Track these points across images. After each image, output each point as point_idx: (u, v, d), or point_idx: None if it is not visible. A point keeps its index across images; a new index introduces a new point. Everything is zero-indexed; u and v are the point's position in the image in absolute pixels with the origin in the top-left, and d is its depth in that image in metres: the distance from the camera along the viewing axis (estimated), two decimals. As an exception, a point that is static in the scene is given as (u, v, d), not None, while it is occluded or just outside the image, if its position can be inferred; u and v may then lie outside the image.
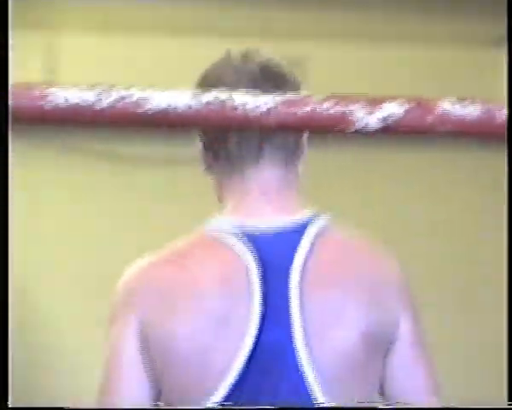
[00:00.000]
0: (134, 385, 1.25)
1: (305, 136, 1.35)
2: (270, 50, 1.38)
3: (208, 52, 1.42)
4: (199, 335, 1.23)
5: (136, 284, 1.28)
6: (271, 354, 1.23)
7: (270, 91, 0.70)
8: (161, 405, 1.28)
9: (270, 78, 1.28)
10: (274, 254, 1.26)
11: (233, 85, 1.23)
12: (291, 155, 1.33)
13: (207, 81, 1.31)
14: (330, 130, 0.73)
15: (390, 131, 0.69)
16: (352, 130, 0.67)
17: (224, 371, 1.21)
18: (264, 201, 1.30)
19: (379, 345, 1.28)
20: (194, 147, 1.38)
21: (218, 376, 1.21)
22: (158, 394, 1.27)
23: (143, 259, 1.30)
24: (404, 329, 1.30)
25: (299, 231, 1.27)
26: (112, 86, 0.65)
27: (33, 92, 0.64)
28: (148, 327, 1.24)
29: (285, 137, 1.30)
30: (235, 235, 1.26)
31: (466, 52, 4.61)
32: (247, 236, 1.26)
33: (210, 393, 1.21)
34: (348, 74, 4.43)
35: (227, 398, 1.22)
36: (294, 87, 1.30)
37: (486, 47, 4.59)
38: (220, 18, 4.67)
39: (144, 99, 0.64)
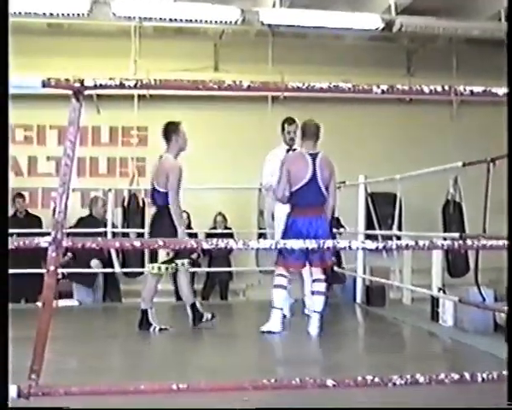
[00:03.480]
0: (286, 178, 6.10)
1: (321, 132, 6.21)
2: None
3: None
4: (296, 169, 6.09)
5: (286, 160, 6.27)
6: (313, 177, 6.04)
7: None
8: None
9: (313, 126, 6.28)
10: (313, 157, 6.09)
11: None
12: (316, 139, 6.19)
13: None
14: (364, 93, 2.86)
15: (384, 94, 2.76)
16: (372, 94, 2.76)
17: (302, 179, 6.04)
18: (310, 148, 6.16)
19: (331, 177, 6.15)
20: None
21: (301, 179, 6.04)
22: (289, 179, 6.09)
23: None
24: (332, 177, 6.17)
25: (317, 153, 6.10)
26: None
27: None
28: (288, 166, 6.13)
29: (315, 134, 6.15)
30: (305, 153, 6.15)
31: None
32: (308, 153, 6.12)
33: (301, 180, 6.05)
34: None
35: (303, 186, 6.02)
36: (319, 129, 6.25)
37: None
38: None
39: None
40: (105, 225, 9.08)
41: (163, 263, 6.15)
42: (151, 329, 6.20)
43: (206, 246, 2.89)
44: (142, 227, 9.62)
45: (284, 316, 6.54)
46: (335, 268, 8.55)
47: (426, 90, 2.73)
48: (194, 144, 10.90)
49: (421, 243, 2.83)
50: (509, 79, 2.69)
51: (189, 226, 9.98)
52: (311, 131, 6.18)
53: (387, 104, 10.87)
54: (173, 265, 6.18)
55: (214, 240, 2.80)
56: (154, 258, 6.18)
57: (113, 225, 9.38)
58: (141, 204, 10.02)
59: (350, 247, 2.83)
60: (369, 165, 9.90)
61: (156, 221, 6.20)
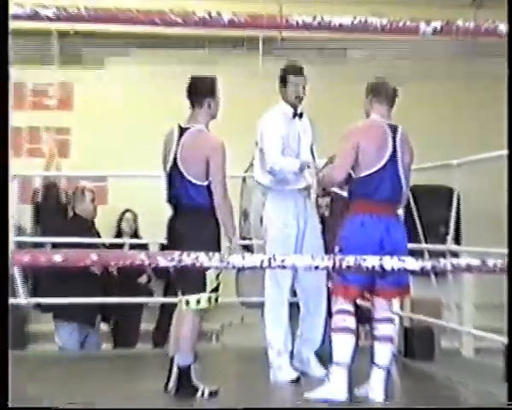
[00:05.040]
0: (352, 157, 5.98)
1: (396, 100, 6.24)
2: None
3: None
4: (370, 147, 5.98)
5: (355, 131, 6.17)
6: (391, 160, 5.97)
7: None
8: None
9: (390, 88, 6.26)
10: (393, 131, 6.01)
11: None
12: (391, 104, 6.16)
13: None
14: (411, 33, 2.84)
15: (437, 34, 2.76)
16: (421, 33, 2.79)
17: (378, 161, 5.95)
18: (385, 116, 6.11)
19: (411, 163, 6.24)
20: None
21: (376, 161, 5.95)
22: (356, 160, 5.98)
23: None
24: (411, 163, 6.37)
25: (397, 127, 6.06)
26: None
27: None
28: (358, 139, 6.00)
29: (392, 98, 6.12)
30: (381, 121, 6.07)
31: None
32: (387, 124, 6.04)
33: (376, 162, 5.94)
34: None
35: (380, 168, 5.93)
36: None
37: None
38: None
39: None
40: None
41: (212, 292, 5.97)
42: (198, 394, 5.95)
43: (163, 263, 2.77)
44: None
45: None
46: (358, 301, 8.47)
47: (502, 28, 2.66)
48: (144, 110, 11.01)
49: (490, 262, 2.76)
50: (509, 78, 2.78)
51: (135, 234, 10.05)
52: (387, 92, 6.12)
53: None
54: (219, 293, 6.00)
55: (176, 254, 2.73)
56: (199, 285, 5.92)
57: (20, 231, 9.32)
58: (63, 199, 9.90)
59: (382, 266, 2.74)
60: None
61: (193, 229, 5.97)
